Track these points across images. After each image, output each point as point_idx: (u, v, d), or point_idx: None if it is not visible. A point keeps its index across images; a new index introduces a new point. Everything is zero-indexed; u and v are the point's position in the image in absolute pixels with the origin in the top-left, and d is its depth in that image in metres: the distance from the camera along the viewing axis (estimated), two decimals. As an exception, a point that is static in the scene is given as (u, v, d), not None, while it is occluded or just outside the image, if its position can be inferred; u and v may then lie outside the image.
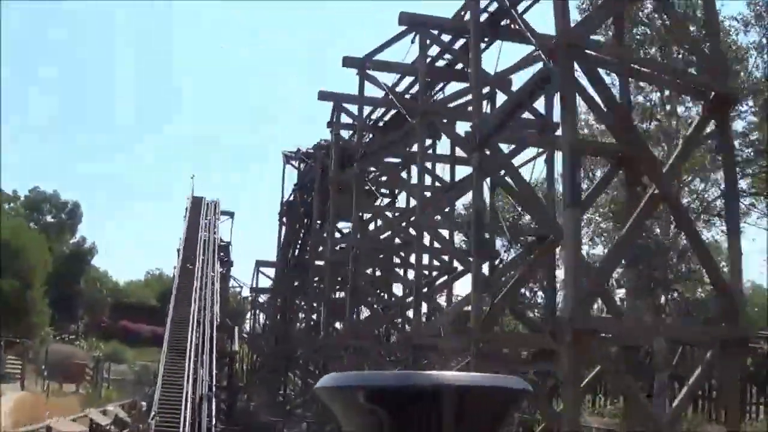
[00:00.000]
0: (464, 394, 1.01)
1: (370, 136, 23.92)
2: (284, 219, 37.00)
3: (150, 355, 40.30)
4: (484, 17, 14.28)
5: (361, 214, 23.54)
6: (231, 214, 44.90)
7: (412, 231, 20.07)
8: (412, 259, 19.54)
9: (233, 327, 33.89)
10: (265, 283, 40.06)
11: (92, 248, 60.82)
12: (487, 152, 12.14)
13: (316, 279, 29.42)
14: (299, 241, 36.17)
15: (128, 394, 29.64)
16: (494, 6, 14.49)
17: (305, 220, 34.28)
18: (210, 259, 36.97)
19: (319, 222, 29.39)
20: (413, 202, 21.21)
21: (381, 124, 23.43)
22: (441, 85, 19.69)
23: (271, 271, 39.85)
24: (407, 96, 20.08)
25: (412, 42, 17.70)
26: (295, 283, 34.62)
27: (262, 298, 42.01)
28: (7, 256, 33.87)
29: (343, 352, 20.70)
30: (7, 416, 22.33)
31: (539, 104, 14.41)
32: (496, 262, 16.75)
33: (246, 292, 44.56)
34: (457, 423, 1.02)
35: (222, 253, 39.68)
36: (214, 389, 24.91)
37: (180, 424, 22.81)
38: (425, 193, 19.70)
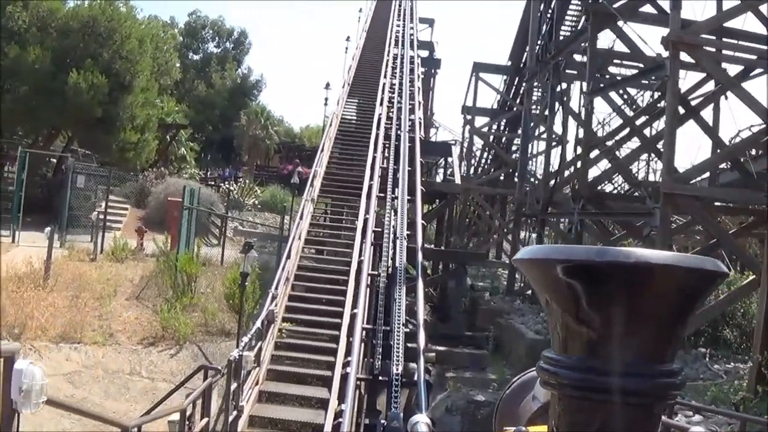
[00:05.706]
0: (656, 272, 0.97)
1: None
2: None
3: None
4: None
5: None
6: (430, 22, 34.33)
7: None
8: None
9: (449, 146, 19.73)
10: (485, 99, 27.15)
11: (259, 81, 49.92)
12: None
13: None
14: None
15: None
16: None
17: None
18: (405, 60, 22.72)
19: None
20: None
21: None
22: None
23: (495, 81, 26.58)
24: None
25: None
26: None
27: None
28: (93, 40, 21.41)
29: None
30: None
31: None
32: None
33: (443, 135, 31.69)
34: (648, 301, 0.99)
35: (423, 52, 25.21)
36: (420, 255, 10.54)
37: (339, 337, 9.65)
38: None
